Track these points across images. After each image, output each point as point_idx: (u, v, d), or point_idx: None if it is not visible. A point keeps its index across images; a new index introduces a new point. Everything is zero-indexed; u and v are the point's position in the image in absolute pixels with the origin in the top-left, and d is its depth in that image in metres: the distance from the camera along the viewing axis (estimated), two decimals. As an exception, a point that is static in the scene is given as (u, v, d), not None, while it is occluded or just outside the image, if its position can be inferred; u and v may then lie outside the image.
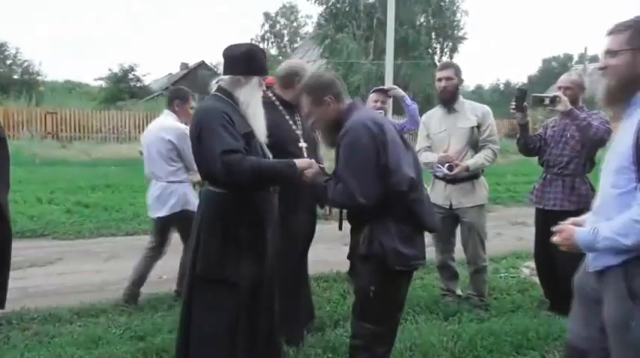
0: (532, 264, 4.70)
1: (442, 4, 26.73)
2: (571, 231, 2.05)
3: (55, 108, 20.09)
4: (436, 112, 4.26)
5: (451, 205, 4.07)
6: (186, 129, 3.83)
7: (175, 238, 4.39)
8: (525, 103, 3.78)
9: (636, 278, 1.87)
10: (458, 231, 4.23)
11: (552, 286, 4.03)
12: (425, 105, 10.19)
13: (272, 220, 2.79)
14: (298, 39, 46.97)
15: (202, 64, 37.98)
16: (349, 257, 4.60)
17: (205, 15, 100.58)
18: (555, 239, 2.10)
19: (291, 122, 3.33)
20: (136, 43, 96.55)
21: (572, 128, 3.81)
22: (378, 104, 4.62)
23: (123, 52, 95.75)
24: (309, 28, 44.08)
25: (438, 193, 4.08)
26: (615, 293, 1.93)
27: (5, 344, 3.47)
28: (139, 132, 19.23)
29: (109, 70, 30.28)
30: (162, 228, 4.32)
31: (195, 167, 3.18)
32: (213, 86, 2.79)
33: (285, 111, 3.33)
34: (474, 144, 4.08)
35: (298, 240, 3.36)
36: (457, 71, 4.10)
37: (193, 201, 3.96)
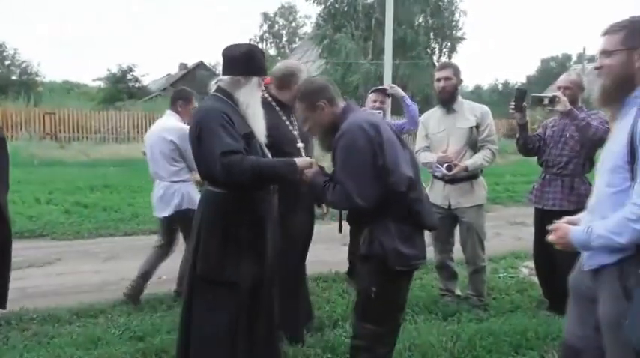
0: (531, 263, 4.71)
1: (440, 4, 26.70)
2: (566, 229, 2.07)
3: (54, 108, 20.04)
4: (435, 112, 4.26)
5: (450, 205, 4.08)
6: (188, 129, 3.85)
7: (179, 237, 4.40)
8: (525, 103, 3.79)
9: (631, 277, 1.88)
10: (457, 231, 4.23)
11: (551, 286, 4.04)
12: (424, 106, 10.18)
13: (272, 220, 2.80)
14: (297, 39, 46.93)
15: (201, 65, 38.00)
16: (350, 258, 4.62)
17: (205, 15, 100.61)
18: (550, 237, 2.13)
19: (287, 122, 3.33)
20: (135, 44, 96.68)
21: (571, 128, 3.82)
22: (377, 104, 4.63)
23: (122, 52, 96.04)
24: (307, 29, 44.06)
25: (436, 193, 4.09)
26: (610, 291, 1.94)
27: (4, 344, 3.47)
28: (138, 132, 19.25)
29: (108, 70, 30.27)
30: (169, 227, 4.35)
31: (197, 167, 3.19)
32: (213, 86, 2.79)
33: (281, 111, 3.34)
34: (473, 145, 4.08)
35: (298, 240, 3.36)
36: (456, 71, 4.11)
37: (197, 200, 3.97)
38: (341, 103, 2.62)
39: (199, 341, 2.64)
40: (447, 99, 4.10)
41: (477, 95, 44.83)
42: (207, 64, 38.35)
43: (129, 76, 30.42)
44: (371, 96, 4.72)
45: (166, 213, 4.20)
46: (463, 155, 4.04)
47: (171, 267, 4.39)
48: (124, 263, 5.52)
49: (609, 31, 2.02)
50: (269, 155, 2.79)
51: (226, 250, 2.61)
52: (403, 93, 4.69)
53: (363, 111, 4.07)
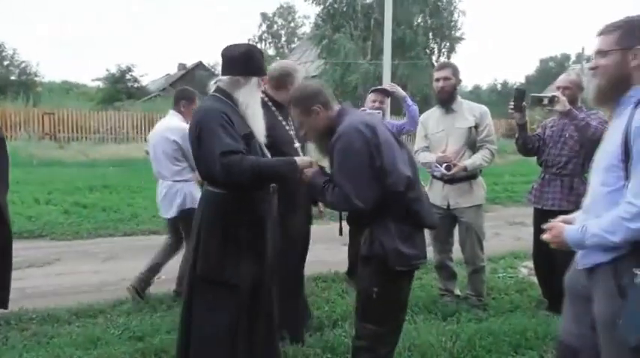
0: (530, 263, 4.71)
1: (439, 4, 26.71)
2: (560, 228, 2.08)
3: (53, 108, 20.01)
4: (434, 112, 4.26)
5: (449, 205, 4.08)
6: None
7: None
8: (524, 103, 3.79)
9: (625, 276, 1.88)
10: (456, 231, 4.24)
11: (550, 286, 4.03)
12: (423, 106, 10.14)
13: (271, 220, 2.80)
14: (296, 39, 46.95)
15: (200, 65, 38.05)
16: (350, 258, 4.62)
17: (204, 15, 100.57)
18: (545, 236, 2.14)
19: (284, 123, 3.33)
20: (135, 44, 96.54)
21: (570, 128, 3.82)
22: (377, 104, 4.63)
23: (122, 53, 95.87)
24: (306, 29, 44.09)
25: (435, 193, 4.09)
26: (605, 290, 1.95)
27: (4, 344, 3.47)
28: (137, 132, 19.25)
29: (107, 70, 30.27)
30: (175, 226, 4.39)
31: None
32: (212, 87, 2.79)
33: (277, 111, 3.33)
34: (472, 145, 4.08)
35: (297, 240, 3.36)
36: (455, 71, 4.11)
37: None
38: (336, 106, 2.62)
39: (199, 341, 2.64)
40: (446, 100, 4.10)
41: (475, 95, 44.82)
42: (207, 64, 38.39)
43: (128, 76, 30.42)
44: (370, 96, 4.72)
45: (171, 214, 4.25)
46: (462, 155, 4.04)
47: (171, 267, 4.40)
48: (123, 263, 5.52)
49: (604, 31, 2.03)
50: (269, 155, 2.79)
51: (226, 250, 2.61)
52: (404, 94, 4.70)
53: (362, 111, 4.08)
